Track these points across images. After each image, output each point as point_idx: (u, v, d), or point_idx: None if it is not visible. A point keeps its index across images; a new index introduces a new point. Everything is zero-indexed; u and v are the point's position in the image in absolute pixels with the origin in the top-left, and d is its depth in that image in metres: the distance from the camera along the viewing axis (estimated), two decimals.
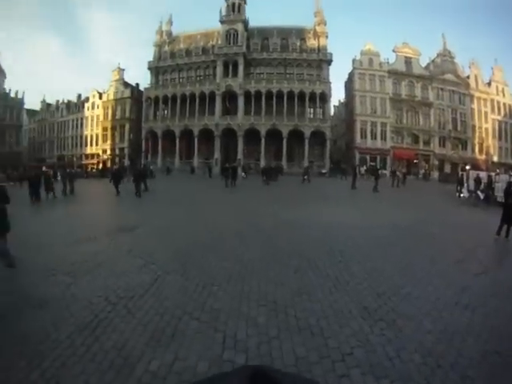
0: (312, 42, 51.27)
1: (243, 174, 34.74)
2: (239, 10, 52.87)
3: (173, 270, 5.53)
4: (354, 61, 51.62)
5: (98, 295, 4.52)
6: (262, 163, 43.14)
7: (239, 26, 51.78)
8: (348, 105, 54.59)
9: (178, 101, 51.73)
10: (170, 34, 58.42)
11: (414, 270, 5.45)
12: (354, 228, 8.77)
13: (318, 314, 3.72)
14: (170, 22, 59.05)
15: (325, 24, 51.56)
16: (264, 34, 53.06)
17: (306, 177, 27.34)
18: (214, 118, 49.34)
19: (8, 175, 44.53)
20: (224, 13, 52.35)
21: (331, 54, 49.85)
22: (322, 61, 49.99)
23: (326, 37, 51.39)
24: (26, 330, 3.62)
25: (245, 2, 53.75)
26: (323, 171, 34.91)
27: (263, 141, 46.37)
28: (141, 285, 4.85)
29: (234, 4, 52.89)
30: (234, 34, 52.11)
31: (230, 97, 49.52)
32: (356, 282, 4.82)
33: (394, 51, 52.45)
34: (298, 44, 51.32)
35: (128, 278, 5.19)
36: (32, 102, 68.89)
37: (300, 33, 52.66)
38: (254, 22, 54.20)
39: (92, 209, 15.52)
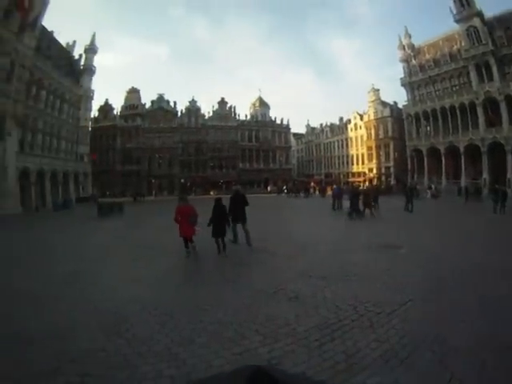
0: None
1: None
2: (469, 3, 55.59)
3: (426, 296, 6.25)
4: None
5: (347, 303, 5.82)
6: None
7: (476, 21, 55.01)
8: None
9: (439, 115, 60.19)
10: (411, 46, 69.23)
11: None
12: None
13: None
14: (408, 35, 69.96)
15: None
16: (504, 22, 53.86)
17: None
18: (479, 132, 54.59)
19: (278, 187, 66.15)
20: (455, 11, 57.06)
21: None
22: None
23: None
24: (268, 314, 5.26)
25: None
26: None
27: None
28: (391, 304, 5.71)
29: None
30: (474, 32, 55.56)
31: (491, 105, 53.53)
32: None
33: None
34: None
35: (378, 295, 6.21)
36: (296, 127, 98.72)
37: None
38: (487, 10, 56.03)
39: (369, 224, 18.85)
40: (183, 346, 4.44)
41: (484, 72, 54.51)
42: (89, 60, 65.06)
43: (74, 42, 64.42)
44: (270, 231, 15.87)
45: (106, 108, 77.41)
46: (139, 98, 76.94)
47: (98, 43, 67.09)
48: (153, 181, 70.22)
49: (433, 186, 49.73)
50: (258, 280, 7.59)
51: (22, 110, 42.16)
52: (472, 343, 4.38)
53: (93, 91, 66.77)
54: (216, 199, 11.12)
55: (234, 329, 4.87)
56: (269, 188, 73.02)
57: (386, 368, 3.81)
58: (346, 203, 23.78)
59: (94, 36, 66.02)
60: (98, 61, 65.88)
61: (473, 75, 56.03)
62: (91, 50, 65.49)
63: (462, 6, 55.70)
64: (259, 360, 3.87)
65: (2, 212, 34.76)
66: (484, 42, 53.95)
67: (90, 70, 65.11)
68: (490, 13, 55.48)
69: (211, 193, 58.56)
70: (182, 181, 71.51)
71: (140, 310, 5.96)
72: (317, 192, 56.82)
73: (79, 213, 35.03)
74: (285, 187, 62.25)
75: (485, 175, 53.09)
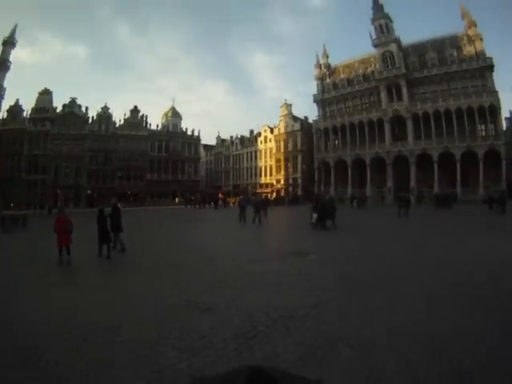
0: (468, 49, 57.02)
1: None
2: (388, 31, 62.81)
3: (337, 296, 6.52)
4: None
5: (260, 310, 5.78)
6: (436, 190, 50.24)
7: (393, 47, 61.27)
8: None
9: (347, 130, 64.34)
10: (328, 66, 73.83)
11: None
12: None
13: (473, 360, 3.90)
14: (326, 55, 74.71)
15: (476, 25, 57.08)
16: (419, 50, 62.18)
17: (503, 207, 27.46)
18: (385, 146, 59.75)
19: (186, 198, 64.86)
20: (374, 36, 63.66)
21: (491, 59, 54.76)
22: (484, 68, 54.72)
23: (481, 40, 56.33)
24: (184, 329, 5.09)
25: (391, 21, 63.44)
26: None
27: (436, 166, 54.58)
28: (303, 307, 5.87)
29: (381, 26, 62.93)
30: (389, 56, 62.00)
31: (398, 122, 59.01)
32: None
33: None
34: (455, 54, 57.64)
35: (292, 299, 6.33)
36: (207, 139, 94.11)
37: (454, 41, 59.00)
38: (405, 38, 63.79)
39: (272, 233, 20.28)
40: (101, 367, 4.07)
41: (394, 92, 60.13)
42: (5, 54, 59.14)
43: None
44: (174, 243, 15.98)
45: (15, 109, 67.59)
46: (51, 101, 68.97)
47: (17, 36, 60.71)
48: (59, 191, 62.78)
49: (362, 197, 50.38)
50: (168, 293, 7.22)
51: None
52: (387, 336, 4.64)
53: (4, 89, 60.62)
54: (99, 210, 12.38)
55: (150, 347, 4.57)
56: (176, 200, 70.88)
57: (306, 370, 3.72)
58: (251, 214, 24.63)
59: (15, 28, 60.04)
60: (14, 56, 59.87)
61: (383, 95, 61.26)
62: (10, 42, 59.55)
63: (382, 32, 61.87)
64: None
65: None
66: (398, 65, 59.83)
67: (4, 66, 59.13)
68: (408, 40, 63.34)
69: (118, 205, 53.68)
70: (89, 192, 66.07)
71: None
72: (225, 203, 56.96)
73: None
74: (192, 198, 60.64)
75: (389, 184, 58.14)
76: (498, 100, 51.96)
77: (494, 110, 51.60)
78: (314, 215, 19.34)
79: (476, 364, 3.88)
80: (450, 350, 4.22)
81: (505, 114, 59.79)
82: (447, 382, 3.62)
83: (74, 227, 11.28)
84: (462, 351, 4.21)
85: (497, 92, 52.68)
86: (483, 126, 53.37)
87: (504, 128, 56.16)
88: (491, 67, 54.10)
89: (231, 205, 53.03)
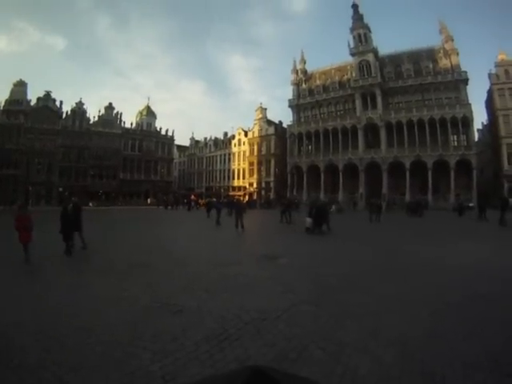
0: (444, 63, 58.17)
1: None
2: (366, 41, 62.96)
3: (308, 300, 6.50)
4: (489, 75, 57.43)
5: (232, 312, 5.71)
6: (407, 197, 51.21)
7: (370, 57, 61.70)
8: (492, 127, 59.87)
9: (321, 136, 64.55)
10: (304, 71, 74.01)
11: None
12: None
13: (446, 360, 3.93)
14: (303, 61, 74.80)
15: (452, 40, 58.34)
16: (395, 60, 63.18)
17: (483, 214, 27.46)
18: (358, 153, 60.16)
19: (158, 199, 64.11)
20: (352, 45, 63.58)
21: (466, 73, 56.20)
22: (458, 81, 55.90)
23: (457, 54, 57.58)
24: (157, 331, 4.97)
25: (370, 31, 63.91)
26: (470, 205, 38.73)
27: (408, 174, 55.19)
28: (275, 309, 5.82)
29: (359, 35, 63.46)
30: (366, 66, 62.47)
31: (371, 129, 59.60)
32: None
33: None
34: (431, 66, 58.86)
35: (264, 302, 6.32)
36: (181, 139, 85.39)
37: (430, 54, 60.17)
38: (382, 49, 64.50)
39: (246, 236, 19.23)
40: (73, 369, 3.92)
41: (369, 101, 60.55)
42: None
43: None
44: (147, 244, 15.05)
45: None
46: (25, 93, 64.34)
47: None
48: (30, 188, 59.05)
49: (337, 202, 50.39)
50: (140, 294, 6.99)
51: None
52: (360, 339, 4.59)
53: None
54: (63, 207, 12.09)
55: (122, 349, 4.39)
56: (149, 200, 69.76)
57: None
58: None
59: None
60: None
61: (358, 103, 61.70)
62: None
63: (360, 41, 62.38)
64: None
65: None
66: (374, 74, 60.60)
67: None
68: (385, 51, 64.20)
69: (90, 204, 53.76)
70: (61, 189, 62.08)
71: None
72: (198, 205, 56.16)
73: None
74: (165, 199, 59.70)
75: (361, 190, 58.56)
76: (471, 112, 53.28)
77: (467, 121, 52.80)
78: (309, 220, 19.21)
79: (449, 367, 3.86)
80: (422, 351, 4.26)
81: (477, 125, 62.32)
82: (419, 382, 3.63)
83: (33, 224, 10.84)
84: (434, 352, 4.25)
85: (470, 104, 54.14)
86: (455, 137, 54.69)
87: (476, 139, 58.02)
88: (466, 80, 55.58)
89: (202, 206, 51.63)
